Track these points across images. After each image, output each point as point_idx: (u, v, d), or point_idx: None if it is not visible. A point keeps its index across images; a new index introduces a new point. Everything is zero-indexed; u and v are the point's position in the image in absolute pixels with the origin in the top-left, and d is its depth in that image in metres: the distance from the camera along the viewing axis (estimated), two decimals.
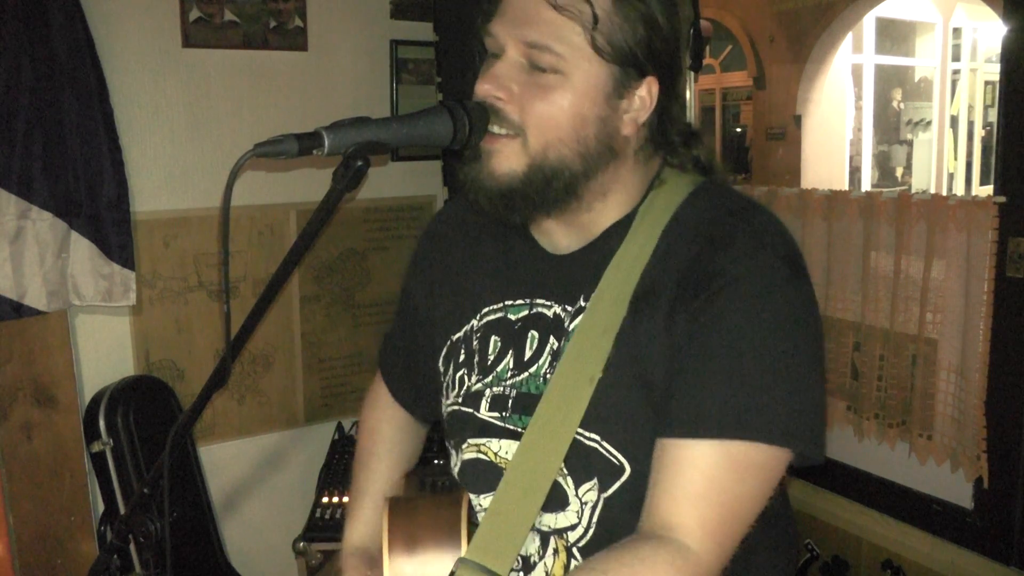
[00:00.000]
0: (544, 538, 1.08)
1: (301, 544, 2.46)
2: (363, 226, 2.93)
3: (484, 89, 1.03)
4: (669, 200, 1.08)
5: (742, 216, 1.04)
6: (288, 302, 2.81)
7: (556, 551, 1.08)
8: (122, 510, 2.42)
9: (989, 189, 3.13)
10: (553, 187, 1.04)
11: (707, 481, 0.95)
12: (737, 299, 0.97)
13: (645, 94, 1.05)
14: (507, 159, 1.03)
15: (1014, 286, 1.88)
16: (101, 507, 2.49)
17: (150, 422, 2.47)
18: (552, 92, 1.01)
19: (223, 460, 2.73)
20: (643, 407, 1.01)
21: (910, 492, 2.18)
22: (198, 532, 2.58)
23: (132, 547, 2.30)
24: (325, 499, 2.55)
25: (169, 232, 2.58)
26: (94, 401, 2.47)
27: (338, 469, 2.64)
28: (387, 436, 1.37)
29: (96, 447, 2.42)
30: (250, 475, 2.80)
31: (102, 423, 2.42)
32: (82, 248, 2.33)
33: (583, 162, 1.04)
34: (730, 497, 0.96)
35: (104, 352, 2.52)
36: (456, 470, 1.18)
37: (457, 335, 1.19)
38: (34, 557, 2.36)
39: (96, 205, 2.34)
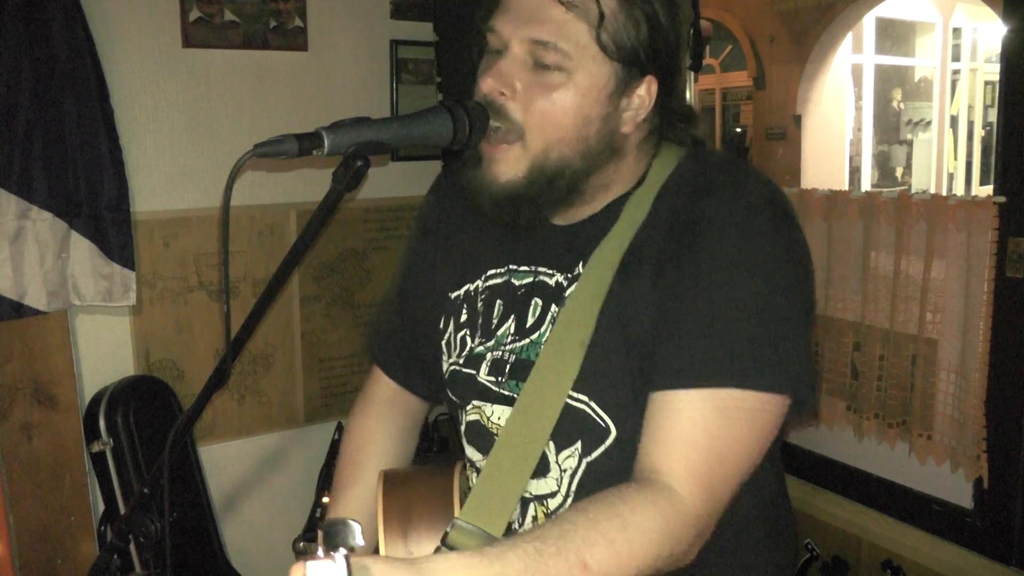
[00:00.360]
0: (524, 504, 1.09)
1: (301, 544, 2.46)
2: (363, 226, 2.93)
3: (488, 85, 1.02)
4: (662, 170, 1.09)
5: (723, 167, 1.06)
6: (288, 302, 2.81)
7: (535, 518, 1.09)
8: (122, 510, 2.42)
9: (989, 189, 3.13)
10: (556, 186, 1.04)
11: (694, 428, 0.95)
12: (717, 244, 0.98)
13: (644, 93, 1.05)
14: (509, 165, 1.03)
15: (1014, 286, 1.88)
16: (101, 507, 2.49)
17: (150, 422, 2.47)
18: (556, 90, 1.01)
19: (223, 460, 2.73)
20: (630, 368, 1.02)
21: (910, 492, 2.18)
22: (198, 532, 2.58)
23: (132, 547, 2.31)
24: (325, 499, 2.55)
25: (169, 232, 2.58)
26: (94, 401, 2.47)
27: None
28: (379, 447, 1.31)
29: (96, 447, 2.42)
30: (250, 475, 2.80)
31: (102, 423, 2.42)
32: (82, 248, 2.33)
33: (584, 160, 1.04)
34: (719, 444, 0.95)
35: (104, 352, 2.52)
36: (462, 430, 1.19)
37: (457, 292, 1.19)
38: (34, 557, 2.36)
39: (96, 205, 2.34)
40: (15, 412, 2.32)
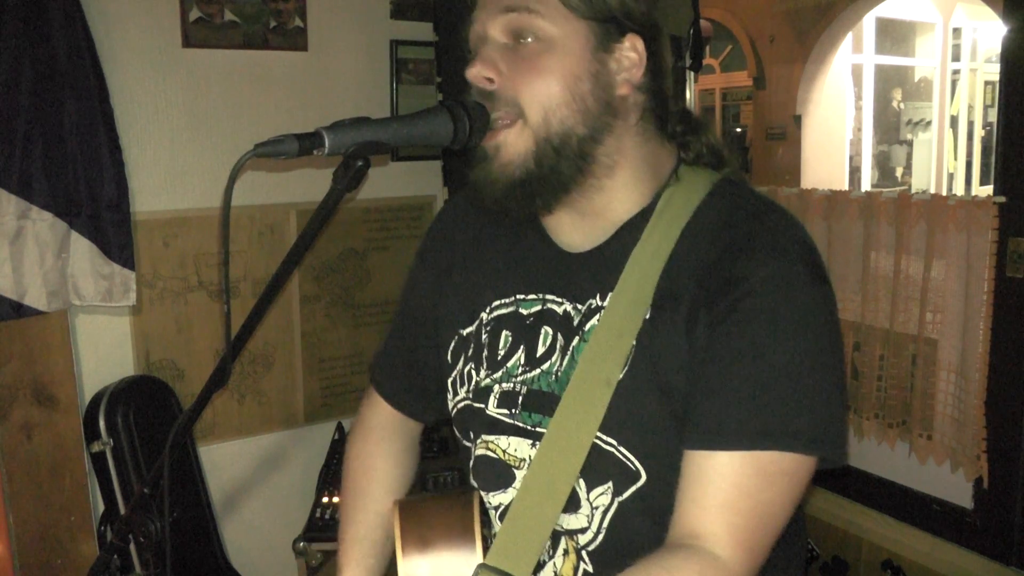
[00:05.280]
0: (555, 537, 1.08)
1: (301, 544, 2.46)
2: (363, 226, 2.93)
3: (473, 71, 1.03)
4: (687, 200, 1.06)
5: (761, 219, 1.03)
6: (288, 302, 2.81)
7: (566, 551, 1.07)
8: (122, 510, 2.42)
9: (989, 189, 3.14)
10: (565, 157, 1.03)
11: (734, 490, 0.94)
12: (758, 306, 0.97)
13: (632, 52, 1.05)
14: (513, 146, 1.03)
15: (1014, 286, 1.88)
16: (101, 507, 2.49)
17: (150, 422, 2.47)
18: (539, 59, 1.01)
19: (223, 460, 2.73)
20: (661, 412, 1.00)
21: (910, 492, 2.17)
22: (198, 532, 2.58)
23: (132, 547, 2.31)
24: (325, 499, 2.55)
25: (169, 232, 2.58)
26: (94, 401, 2.47)
27: (338, 469, 2.64)
28: (382, 466, 1.29)
29: (96, 447, 2.42)
30: (250, 475, 2.80)
31: (102, 423, 2.42)
32: (82, 248, 2.33)
33: (586, 122, 1.03)
34: (758, 505, 0.95)
35: (104, 352, 2.52)
36: (470, 466, 1.17)
37: (468, 329, 1.18)
38: (34, 557, 2.36)
39: (96, 205, 2.34)
40: (15, 412, 2.32)
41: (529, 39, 1.01)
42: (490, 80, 1.02)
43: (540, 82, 1.01)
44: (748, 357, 0.96)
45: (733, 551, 0.93)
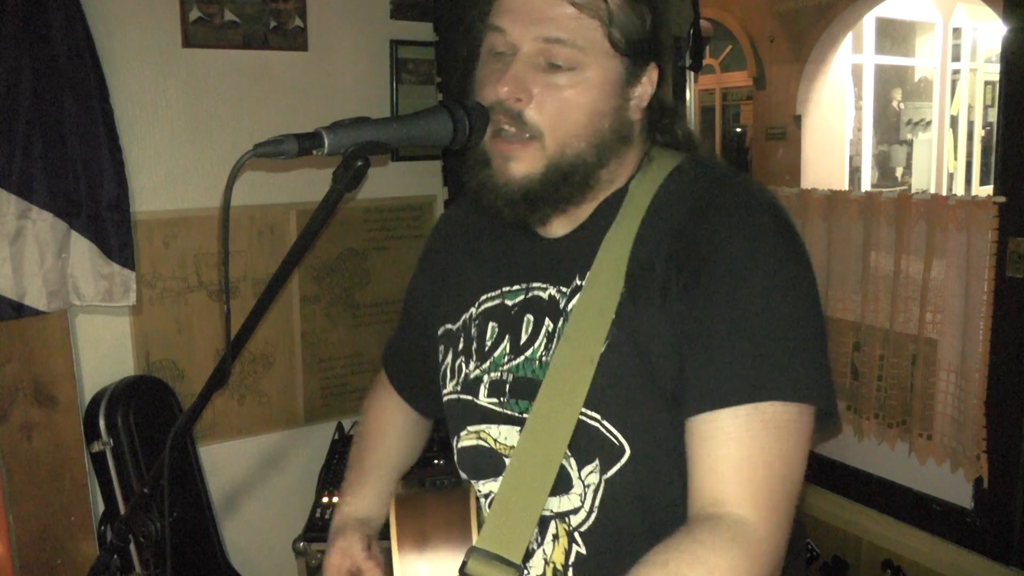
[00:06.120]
0: (543, 523, 1.07)
1: (301, 544, 2.46)
2: (363, 226, 2.93)
3: (503, 92, 1.02)
4: (655, 176, 1.09)
5: (722, 182, 1.05)
6: (288, 302, 2.81)
7: (556, 536, 1.07)
8: (122, 510, 2.42)
9: (989, 189, 3.13)
10: (570, 182, 1.04)
11: (743, 448, 0.93)
12: (729, 261, 0.97)
13: (647, 80, 1.07)
14: (525, 163, 1.03)
15: (1014, 286, 1.88)
16: (101, 507, 2.49)
17: (150, 422, 2.47)
18: (570, 90, 1.01)
19: (223, 460, 2.73)
20: (643, 385, 1.01)
21: (910, 492, 2.18)
22: (198, 532, 2.58)
23: (132, 547, 2.31)
24: (325, 499, 2.55)
25: (169, 232, 2.58)
26: (94, 401, 2.47)
27: (338, 469, 2.64)
28: (397, 419, 1.37)
29: (96, 447, 2.42)
30: (250, 475, 2.80)
31: (102, 423, 2.42)
32: (82, 248, 2.33)
33: (597, 153, 1.04)
34: (770, 460, 0.93)
35: (104, 352, 2.52)
36: (456, 458, 1.18)
37: (456, 324, 1.20)
38: (34, 557, 2.36)
39: (96, 205, 2.34)
40: (15, 412, 2.32)
41: (564, 68, 1.01)
42: (519, 100, 1.02)
43: (567, 115, 1.02)
44: (728, 315, 0.96)
45: (756, 510, 0.92)
